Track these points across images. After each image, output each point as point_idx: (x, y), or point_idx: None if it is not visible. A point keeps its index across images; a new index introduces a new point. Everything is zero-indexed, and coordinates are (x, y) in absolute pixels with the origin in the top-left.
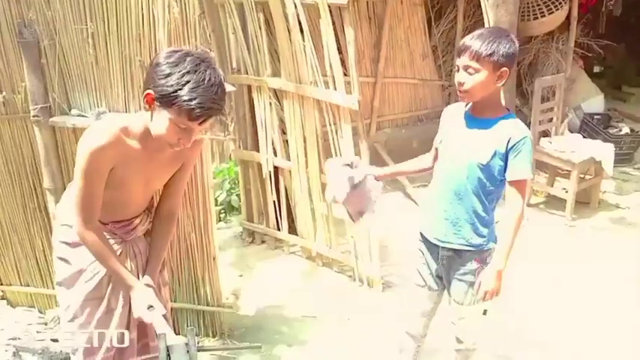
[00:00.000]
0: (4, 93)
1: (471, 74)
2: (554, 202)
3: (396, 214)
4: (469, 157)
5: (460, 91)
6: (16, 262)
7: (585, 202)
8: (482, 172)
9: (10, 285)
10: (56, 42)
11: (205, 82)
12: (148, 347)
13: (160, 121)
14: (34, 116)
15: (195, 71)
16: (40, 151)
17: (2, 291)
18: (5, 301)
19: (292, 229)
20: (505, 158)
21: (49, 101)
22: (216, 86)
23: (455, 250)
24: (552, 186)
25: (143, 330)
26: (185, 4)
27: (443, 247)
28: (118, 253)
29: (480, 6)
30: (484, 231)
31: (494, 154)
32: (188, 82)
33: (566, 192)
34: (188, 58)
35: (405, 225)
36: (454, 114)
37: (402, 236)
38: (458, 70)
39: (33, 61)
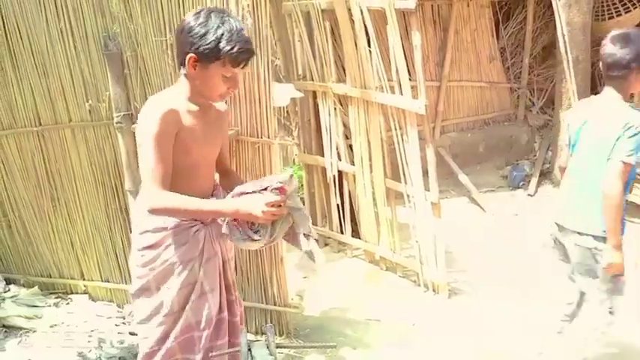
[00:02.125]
0: (90, 101)
1: None
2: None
3: (462, 219)
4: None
5: None
6: (98, 259)
7: None
8: None
9: (92, 280)
10: (138, 53)
11: (235, 29)
12: (235, 325)
13: (208, 78)
14: (117, 123)
15: (224, 23)
16: (122, 156)
17: (85, 286)
18: (87, 295)
19: (355, 233)
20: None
21: (131, 109)
22: (244, 30)
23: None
24: (630, 192)
25: (231, 309)
26: (258, 16)
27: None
28: (202, 237)
29: (551, 6)
30: None
31: None
32: (223, 34)
33: None
34: (212, 14)
35: (469, 231)
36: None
37: (467, 242)
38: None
39: (117, 71)
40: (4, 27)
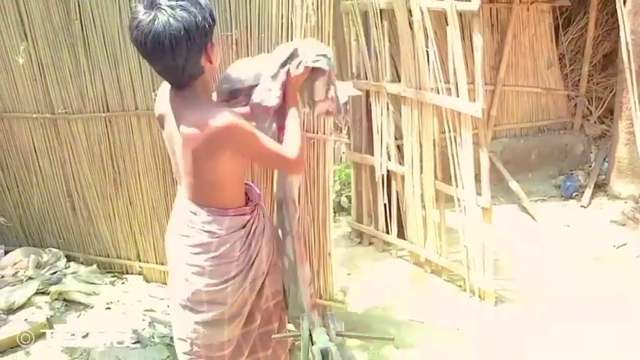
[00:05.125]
0: (156, 91)
1: None
2: None
3: (511, 227)
4: None
5: None
6: (154, 242)
7: None
8: None
9: (147, 262)
10: None
11: None
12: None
13: (217, 52)
14: None
15: None
16: None
17: (140, 267)
18: (142, 276)
19: (401, 233)
20: None
21: None
22: None
23: None
24: None
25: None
26: (322, 14)
27: None
28: (264, 219)
29: (614, 14)
30: None
31: None
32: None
33: None
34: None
35: (518, 239)
36: None
37: (515, 250)
38: None
39: None
40: (81, 18)
